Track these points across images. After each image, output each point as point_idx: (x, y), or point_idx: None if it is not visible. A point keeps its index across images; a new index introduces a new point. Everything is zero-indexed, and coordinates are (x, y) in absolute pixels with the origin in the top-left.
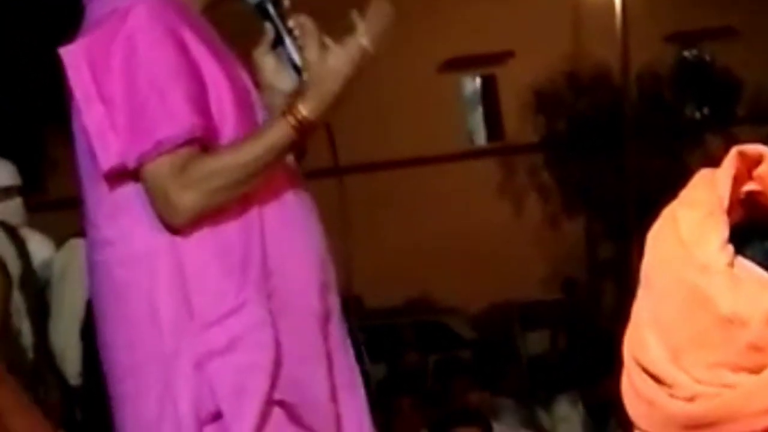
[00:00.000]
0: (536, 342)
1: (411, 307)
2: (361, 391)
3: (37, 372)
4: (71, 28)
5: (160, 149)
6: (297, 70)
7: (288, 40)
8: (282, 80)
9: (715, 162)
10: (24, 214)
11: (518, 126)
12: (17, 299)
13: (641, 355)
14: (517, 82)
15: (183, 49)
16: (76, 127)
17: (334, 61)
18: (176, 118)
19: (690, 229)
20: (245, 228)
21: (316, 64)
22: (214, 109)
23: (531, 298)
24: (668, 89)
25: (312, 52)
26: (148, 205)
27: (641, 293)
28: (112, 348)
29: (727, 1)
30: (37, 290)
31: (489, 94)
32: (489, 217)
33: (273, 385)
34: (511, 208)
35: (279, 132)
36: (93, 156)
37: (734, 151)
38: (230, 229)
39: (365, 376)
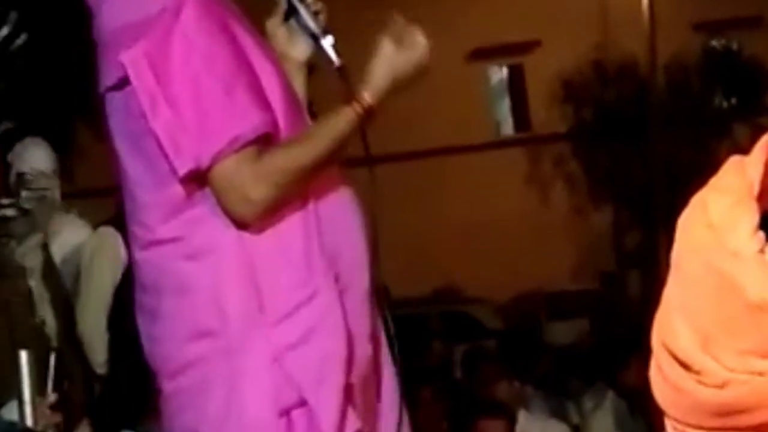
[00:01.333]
0: (562, 332)
1: (437, 297)
2: (394, 369)
3: (62, 361)
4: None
5: (234, 146)
6: (314, 38)
7: (302, 9)
8: (297, 49)
9: (742, 151)
10: (59, 198)
11: (545, 116)
12: (39, 289)
13: (670, 342)
14: (544, 72)
15: (235, 42)
16: (118, 128)
17: (404, 59)
18: (246, 114)
19: (720, 215)
20: (304, 218)
21: (388, 56)
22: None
23: (558, 288)
24: (695, 79)
25: (387, 44)
26: (212, 202)
27: (671, 279)
28: (165, 341)
29: None
30: (71, 276)
31: (516, 83)
32: (516, 206)
33: (348, 370)
34: (537, 197)
35: (346, 121)
36: (146, 159)
37: (764, 139)
38: (291, 221)
39: (396, 362)
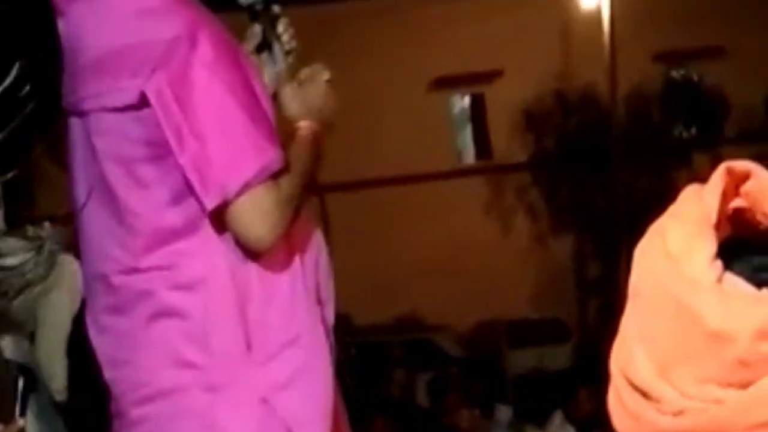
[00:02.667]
0: (524, 360)
1: (399, 325)
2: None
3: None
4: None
5: (261, 177)
6: (280, 78)
7: (276, 47)
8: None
9: (703, 180)
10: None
11: (507, 145)
12: None
13: (629, 370)
14: (505, 102)
15: (245, 71)
16: (109, 150)
17: (310, 92)
18: (269, 144)
19: (678, 244)
20: (288, 254)
21: (289, 94)
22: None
23: (519, 316)
24: (656, 109)
25: (289, 86)
26: (204, 234)
27: (629, 308)
28: (137, 367)
29: (715, 21)
30: (29, 302)
31: (478, 112)
32: (478, 235)
33: (334, 409)
34: (499, 226)
35: (308, 148)
36: (139, 185)
37: (722, 167)
38: (277, 258)
39: (348, 392)
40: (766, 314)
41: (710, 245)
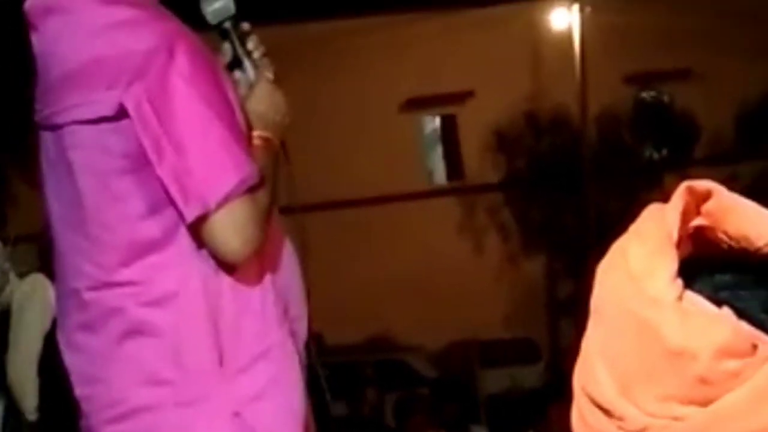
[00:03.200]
0: (496, 380)
1: (371, 345)
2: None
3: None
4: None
5: (240, 189)
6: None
7: (246, 62)
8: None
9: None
10: None
11: (478, 165)
12: None
13: (591, 388)
14: (477, 122)
15: (221, 84)
16: (83, 162)
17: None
18: (247, 156)
19: (639, 262)
20: (259, 267)
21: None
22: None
23: (491, 336)
24: (627, 130)
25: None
26: (178, 249)
27: (591, 326)
28: (111, 385)
29: (686, 43)
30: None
31: (449, 133)
32: (449, 255)
33: (306, 421)
34: (471, 246)
35: (270, 158)
36: (114, 198)
37: (683, 186)
38: (248, 271)
39: (326, 411)
40: (725, 333)
41: (671, 264)
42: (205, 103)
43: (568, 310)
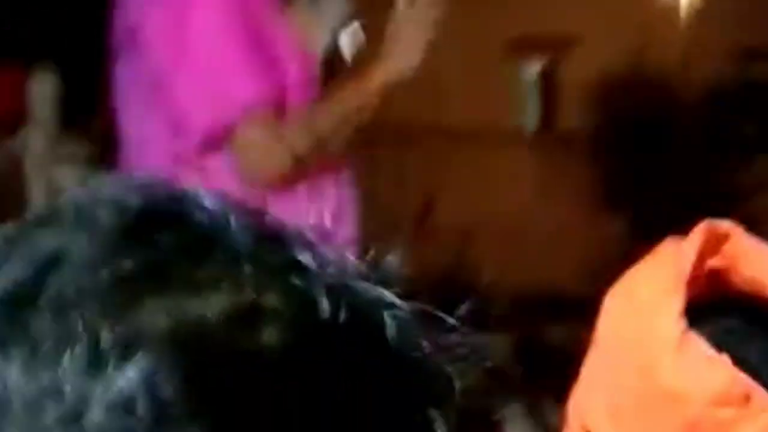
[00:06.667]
0: (560, 335)
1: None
2: None
3: None
4: None
5: (252, 110)
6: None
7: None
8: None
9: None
10: None
11: (572, 115)
12: None
13: (584, 415)
14: (576, 71)
15: (251, 14)
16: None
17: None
18: (263, 80)
19: (648, 296)
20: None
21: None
22: (281, 75)
23: (560, 290)
24: (729, 102)
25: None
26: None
27: (592, 356)
28: None
29: None
30: None
31: (547, 80)
32: (531, 205)
33: None
34: (554, 198)
35: (355, 97)
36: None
37: (703, 224)
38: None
39: None
40: (721, 380)
41: (678, 302)
42: (224, 32)
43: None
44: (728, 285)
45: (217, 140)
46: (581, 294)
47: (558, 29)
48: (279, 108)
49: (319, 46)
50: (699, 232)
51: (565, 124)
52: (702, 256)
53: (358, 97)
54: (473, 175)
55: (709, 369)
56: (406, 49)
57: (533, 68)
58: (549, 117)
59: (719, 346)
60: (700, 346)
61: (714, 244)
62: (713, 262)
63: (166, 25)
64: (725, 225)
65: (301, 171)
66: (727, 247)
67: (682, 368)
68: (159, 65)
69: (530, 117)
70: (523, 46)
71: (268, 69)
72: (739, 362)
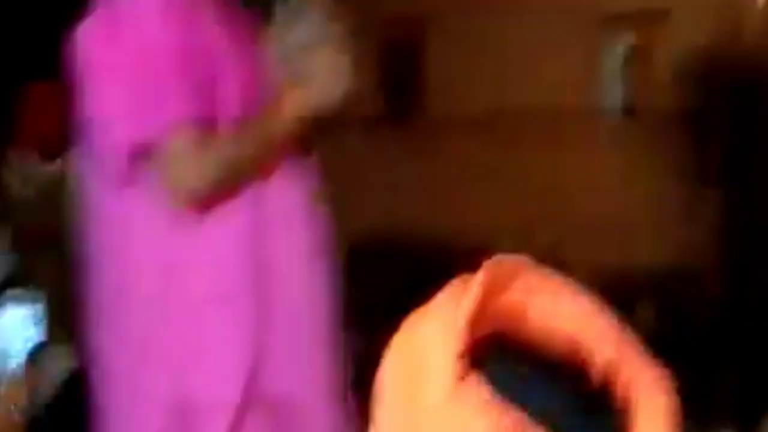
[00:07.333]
0: (643, 311)
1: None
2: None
3: None
4: None
5: (177, 127)
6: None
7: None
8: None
9: None
10: None
11: (661, 91)
12: None
13: None
14: (668, 46)
15: (194, 31)
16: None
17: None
18: (190, 99)
19: (426, 338)
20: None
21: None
22: (218, 96)
23: (642, 269)
24: None
25: (325, 52)
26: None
27: (375, 407)
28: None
29: None
30: None
31: (638, 54)
32: (612, 179)
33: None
34: (640, 174)
35: (278, 124)
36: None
37: (491, 261)
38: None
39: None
40: (486, 425)
41: (457, 342)
42: (155, 49)
43: (729, 251)
44: (526, 321)
45: (142, 154)
46: (670, 273)
47: (648, 6)
48: (212, 126)
49: (284, 66)
50: (486, 269)
51: (655, 98)
52: (490, 293)
53: (272, 123)
54: (548, 149)
55: (475, 414)
56: (325, 80)
57: (624, 41)
58: (639, 91)
59: (499, 386)
60: (477, 389)
61: (503, 280)
62: (507, 298)
63: (99, 41)
64: (514, 262)
65: (216, 192)
66: (518, 284)
67: (452, 414)
68: (88, 84)
69: (615, 90)
70: (612, 23)
71: (205, 87)
72: (523, 405)
